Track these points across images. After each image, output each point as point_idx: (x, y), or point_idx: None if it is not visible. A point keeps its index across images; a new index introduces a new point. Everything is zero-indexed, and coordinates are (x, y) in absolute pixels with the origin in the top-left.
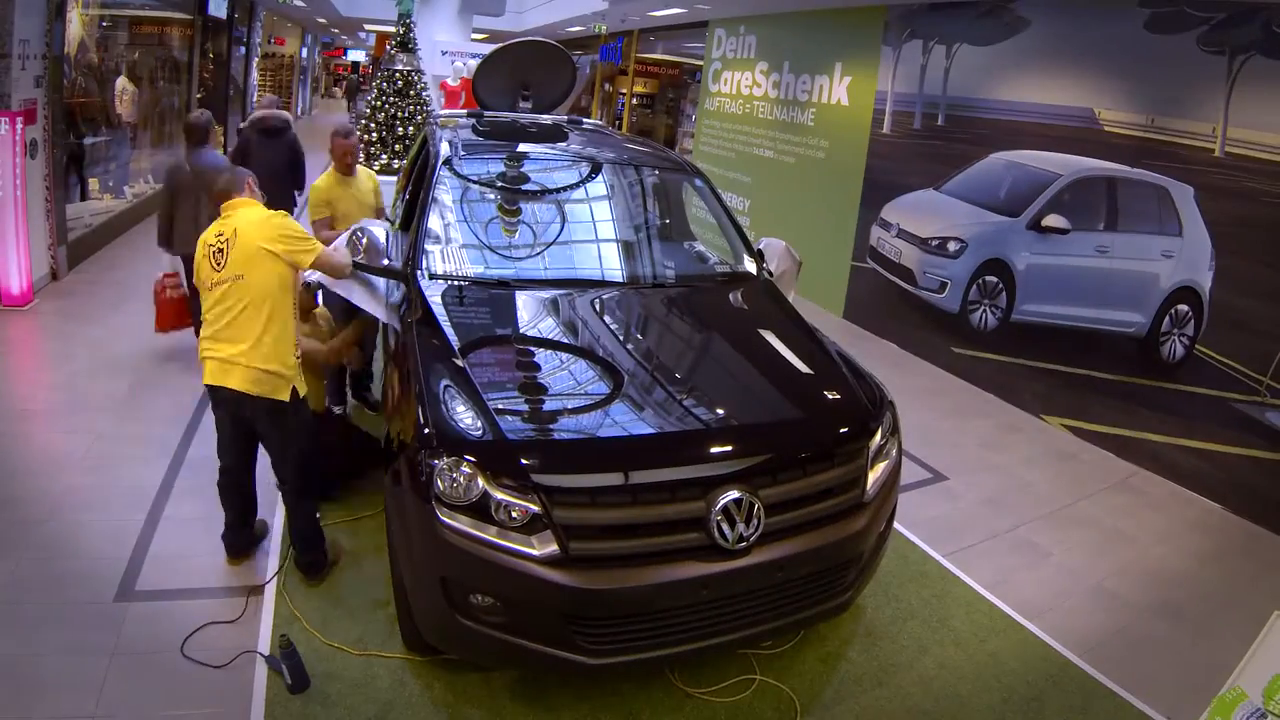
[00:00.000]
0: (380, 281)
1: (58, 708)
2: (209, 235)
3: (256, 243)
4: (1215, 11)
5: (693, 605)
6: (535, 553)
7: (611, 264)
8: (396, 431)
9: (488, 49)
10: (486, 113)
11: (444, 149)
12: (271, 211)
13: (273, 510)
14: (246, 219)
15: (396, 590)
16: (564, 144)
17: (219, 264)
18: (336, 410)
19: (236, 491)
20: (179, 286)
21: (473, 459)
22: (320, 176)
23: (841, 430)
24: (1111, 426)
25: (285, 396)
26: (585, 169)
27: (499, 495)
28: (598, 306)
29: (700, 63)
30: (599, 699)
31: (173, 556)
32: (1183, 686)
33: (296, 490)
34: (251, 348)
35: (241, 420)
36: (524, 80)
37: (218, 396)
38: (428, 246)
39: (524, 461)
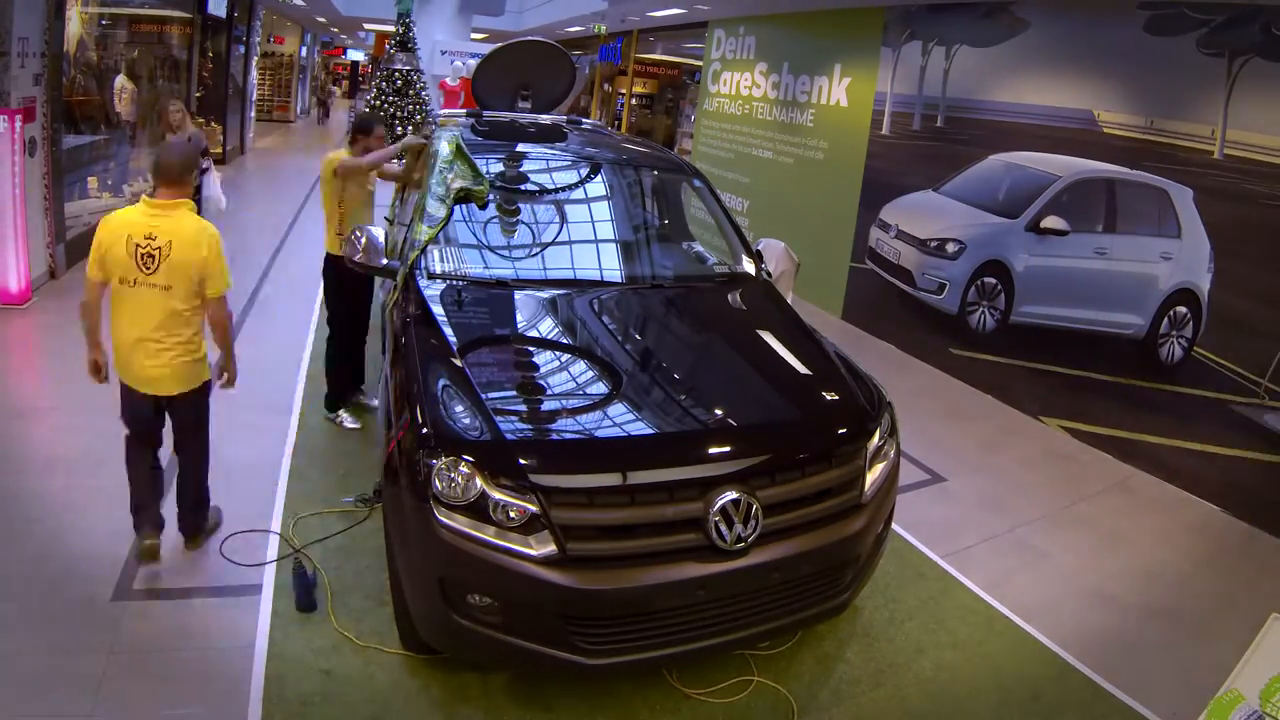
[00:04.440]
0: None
1: (56, 706)
2: (136, 232)
3: (191, 264)
4: (1214, 14)
5: (690, 606)
6: (533, 553)
7: (610, 264)
8: (395, 430)
9: (487, 49)
10: (486, 112)
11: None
12: (202, 223)
13: (270, 507)
14: (183, 230)
15: (394, 590)
16: (563, 144)
17: (148, 268)
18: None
19: (149, 455)
20: None
21: (471, 459)
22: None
23: (840, 431)
24: (1110, 428)
25: (207, 376)
26: (584, 169)
27: (497, 495)
28: (596, 307)
29: (699, 63)
30: (596, 699)
31: (170, 556)
32: (1180, 688)
33: (199, 457)
34: (180, 343)
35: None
36: (523, 80)
37: (141, 393)
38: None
39: (522, 461)
